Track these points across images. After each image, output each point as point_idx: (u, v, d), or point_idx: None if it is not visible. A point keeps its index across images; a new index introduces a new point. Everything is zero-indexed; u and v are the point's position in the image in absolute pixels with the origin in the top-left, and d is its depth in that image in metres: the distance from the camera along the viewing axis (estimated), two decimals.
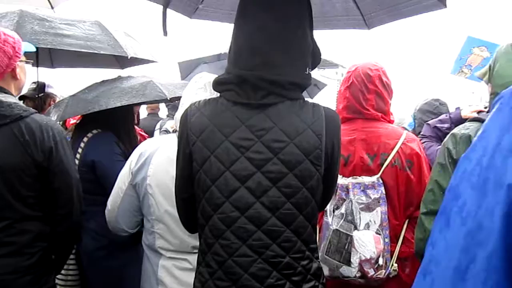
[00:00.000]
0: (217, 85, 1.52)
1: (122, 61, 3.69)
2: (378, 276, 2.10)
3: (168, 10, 1.86)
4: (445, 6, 1.93)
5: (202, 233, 1.50)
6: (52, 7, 2.34)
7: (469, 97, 7.73)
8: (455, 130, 1.85)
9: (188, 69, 5.61)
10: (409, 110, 5.13)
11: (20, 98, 3.70)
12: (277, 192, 1.41)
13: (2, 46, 1.91)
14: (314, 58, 1.55)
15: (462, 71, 6.27)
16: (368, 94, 2.24)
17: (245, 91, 1.44)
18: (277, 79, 1.42)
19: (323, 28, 2.41)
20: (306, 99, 1.53)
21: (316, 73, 6.46)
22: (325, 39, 2.20)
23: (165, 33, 1.78)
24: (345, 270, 2.10)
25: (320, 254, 2.18)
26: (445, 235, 0.82)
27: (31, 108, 1.98)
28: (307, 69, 1.49)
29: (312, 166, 1.43)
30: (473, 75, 6.38)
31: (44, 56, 3.59)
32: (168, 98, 2.74)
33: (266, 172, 1.41)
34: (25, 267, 1.89)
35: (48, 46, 2.88)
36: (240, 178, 1.41)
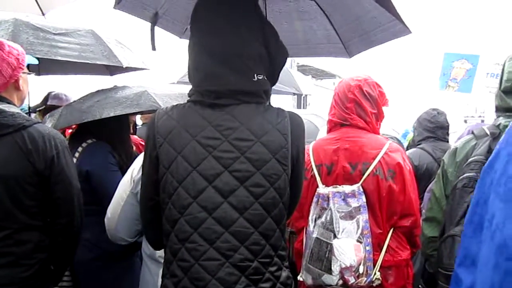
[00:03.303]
0: (188, 93, 1.58)
1: (111, 68, 3.67)
2: (359, 284, 2.12)
3: (157, 28, 1.91)
4: (410, 32, 2.02)
5: (167, 241, 1.48)
6: (43, 14, 2.35)
7: (465, 108, 7.78)
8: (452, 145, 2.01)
9: None
10: (403, 123, 5.14)
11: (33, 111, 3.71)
12: (245, 192, 1.42)
13: (6, 58, 1.94)
14: (273, 62, 1.57)
15: (449, 85, 6.45)
16: (347, 103, 2.33)
17: (201, 95, 1.50)
18: (219, 89, 1.47)
19: (307, 56, 2.50)
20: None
21: (310, 82, 6.50)
22: None
23: (154, 48, 1.82)
24: (326, 278, 2.13)
25: (303, 262, 2.22)
26: (481, 253, 0.80)
27: (33, 118, 2.01)
28: (255, 75, 1.49)
29: (279, 165, 1.45)
30: (461, 87, 6.56)
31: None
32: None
33: (233, 171, 1.42)
34: (23, 278, 1.89)
35: (45, 56, 2.89)
36: (207, 177, 1.42)
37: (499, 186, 0.77)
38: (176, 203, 1.44)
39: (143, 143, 3.73)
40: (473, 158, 1.76)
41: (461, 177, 1.77)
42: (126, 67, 3.26)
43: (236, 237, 1.41)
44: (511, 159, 0.74)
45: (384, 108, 2.43)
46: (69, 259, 2.20)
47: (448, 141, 3.91)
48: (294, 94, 6.41)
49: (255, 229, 1.42)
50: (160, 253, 1.92)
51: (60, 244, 2.04)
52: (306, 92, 6.00)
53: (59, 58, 2.92)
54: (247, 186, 1.42)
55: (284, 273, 1.50)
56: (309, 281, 2.20)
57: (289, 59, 1.73)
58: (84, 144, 2.66)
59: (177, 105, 1.54)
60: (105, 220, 2.12)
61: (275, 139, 1.45)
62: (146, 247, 2.03)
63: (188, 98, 1.55)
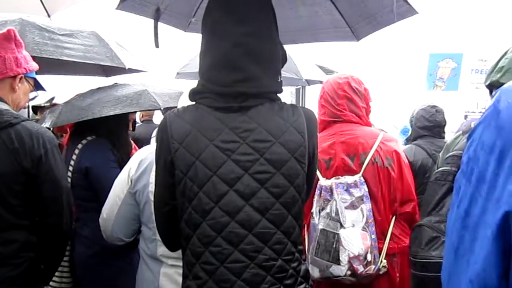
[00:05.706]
0: (194, 94, 1.51)
1: (108, 69, 3.63)
2: (368, 272, 2.13)
3: (161, 24, 1.90)
4: (417, 12, 2.00)
5: (188, 244, 1.46)
6: (49, 15, 2.35)
7: (465, 104, 7.77)
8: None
9: None
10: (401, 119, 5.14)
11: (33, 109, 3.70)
12: (266, 193, 1.40)
13: (15, 53, 1.96)
14: (283, 60, 1.57)
15: (437, 85, 6.56)
16: (338, 100, 2.37)
17: (224, 98, 1.45)
18: (257, 92, 1.44)
19: (313, 41, 2.46)
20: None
21: (315, 66, 6.37)
22: (320, 45, 2.25)
23: (157, 45, 1.80)
24: (335, 269, 2.13)
25: (309, 256, 2.21)
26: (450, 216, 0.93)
27: (21, 115, 1.97)
28: (279, 76, 1.51)
29: (297, 164, 1.44)
30: (448, 86, 6.70)
31: None
32: (162, 108, 2.75)
33: (254, 173, 1.40)
34: (11, 277, 1.86)
35: (50, 56, 2.88)
36: (228, 181, 1.40)
37: (464, 165, 0.90)
38: (198, 208, 1.41)
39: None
40: (452, 153, 1.79)
41: (436, 171, 1.81)
42: (124, 69, 3.26)
43: (259, 238, 1.40)
44: (472, 142, 0.86)
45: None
46: (59, 258, 2.17)
47: (443, 138, 3.90)
48: (297, 82, 6.27)
49: (277, 228, 1.42)
50: (162, 252, 1.91)
51: (49, 243, 2.01)
52: (309, 77, 5.83)
53: (65, 58, 2.89)
54: (268, 187, 1.40)
55: (303, 267, 1.51)
56: (316, 274, 2.18)
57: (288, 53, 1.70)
58: (84, 141, 2.66)
59: (188, 107, 1.50)
60: (100, 221, 2.09)
61: (293, 138, 1.43)
62: (145, 247, 2.00)
63: (198, 100, 1.50)
